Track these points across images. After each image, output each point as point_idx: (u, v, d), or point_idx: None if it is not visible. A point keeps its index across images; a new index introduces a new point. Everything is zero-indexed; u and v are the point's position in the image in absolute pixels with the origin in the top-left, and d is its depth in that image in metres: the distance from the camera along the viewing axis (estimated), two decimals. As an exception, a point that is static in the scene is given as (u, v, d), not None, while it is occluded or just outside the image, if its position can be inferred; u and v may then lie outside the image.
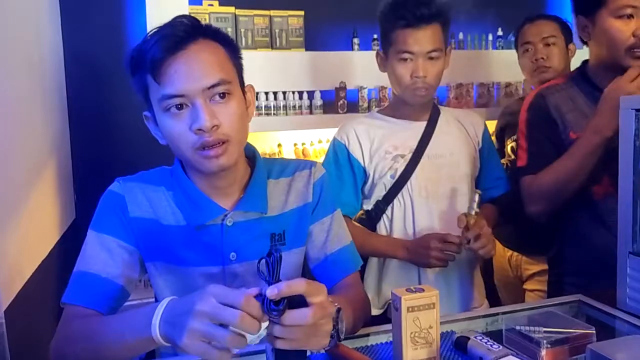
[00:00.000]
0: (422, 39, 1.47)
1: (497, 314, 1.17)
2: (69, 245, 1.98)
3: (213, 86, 0.96)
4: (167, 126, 0.98)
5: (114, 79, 2.48)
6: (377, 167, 1.56)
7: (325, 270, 1.17)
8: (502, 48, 2.99)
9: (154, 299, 1.14)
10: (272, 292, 0.72)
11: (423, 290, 0.97)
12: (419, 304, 0.95)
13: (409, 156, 1.54)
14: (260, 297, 0.74)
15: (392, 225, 1.56)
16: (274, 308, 0.72)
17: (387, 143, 1.56)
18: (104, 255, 1.03)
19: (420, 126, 1.59)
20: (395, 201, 1.55)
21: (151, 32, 0.98)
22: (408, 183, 1.54)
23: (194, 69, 0.95)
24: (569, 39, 2.03)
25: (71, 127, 2.43)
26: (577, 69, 1.57)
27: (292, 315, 0.74)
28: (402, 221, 1.55)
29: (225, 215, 1.06)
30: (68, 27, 2.40)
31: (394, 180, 1.54)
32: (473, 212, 1.37)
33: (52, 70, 2.19)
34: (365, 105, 2.70)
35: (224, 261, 1.07)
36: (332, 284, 1.15)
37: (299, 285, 0.74)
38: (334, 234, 1.17)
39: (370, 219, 1.59)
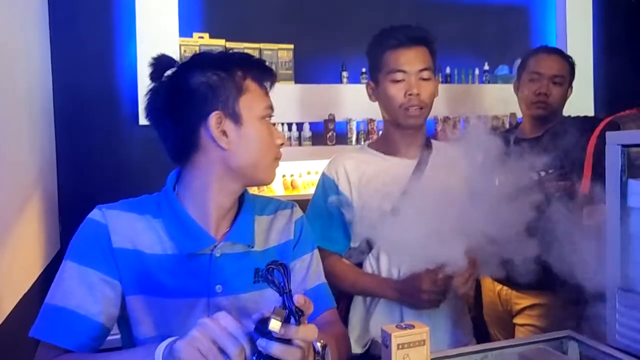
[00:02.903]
0: (413, 58, 1.48)
1: (487, 350, 1.16)
2: (53, 277, 1.94)
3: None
4: (263, 133, 1.07)
5: (103, 110, 2.48)
6: (366, 204, 1.51)
7: None
8: (489, 82, 3.05)
9: (119, 336, 1.10)
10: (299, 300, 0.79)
11: (413, 326, 0.96)
12: (409, 340, 0.95)
13: (398, 194, 1.48)
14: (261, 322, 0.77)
15: (379, 265, 1.51)
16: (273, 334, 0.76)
17: (377, 181, 1.52)
18: (83, 290, 0.98)
19: (412, 163, 1.55)
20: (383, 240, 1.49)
21: (238, 50, 1.15)
22: (397, 221, 1.44)
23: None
24: (572, 81, 2.02)
25: (58, 157, 2.41)
26: None
27: (305, 328, 0.79)
28: (388, 262, 1.50)
29: (215, 246, 1.05)
30: (57, 57, 2.41)
31: (382, 219, 1.45)
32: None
33: (41, 101, 2.19)
34: (354, 137, 2.72)
35: (209, 293, 1.05)
36: (311, 319, 1.14)
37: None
38: (313, 270, 1.18)
39: (356, 257, 1.54)
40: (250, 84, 1.05)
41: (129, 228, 1.03)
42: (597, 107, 3.05)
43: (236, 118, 1.03)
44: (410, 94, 1.47)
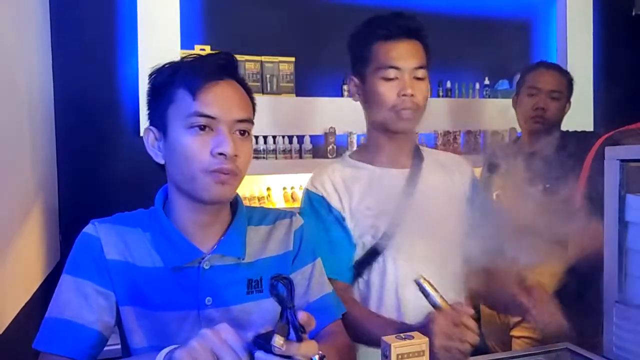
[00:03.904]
0: (406, 53, 1.30)
1: (486, 363, 1.16)
2: (53, 287, 1.94)
3: (241, 121, 1.00)
4: (186, 143, 0.98)
5: (104, 121, 2.50)
6: (357, 225, 1.34)
7: None
8: (489, 97, 3.06)
9: (119, 346, 1.11)
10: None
11: (413, 337, 0.96)
12: (409, 351, 0.94)
13: (392, 212, 1.33)
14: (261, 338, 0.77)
15: (370, 292, 1.34)
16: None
17: (369, 198, 1.35)
18: (79, 301, 1.00)
19: (403, 174, 1.38)
20: (375, 264, 1.33)
21: (189, 56, 1.04)
22: (390, 243, 1.32)
23: (232, 99, 1.01)
24: (570, 96, 2.04)
25: (59, 168, 2.42)
26: None
27: (306, 345, 0.78)
28: (381, 288, 1.33)
29: (203, 258, 1.05)
30: (60, 68, 2.43)
31: (375, 241, 1.32)
32: (440, 301, 1.06)
33: (42, 112, 2.20)
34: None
35: (199, 305, 1.05)
36: (315, 332, 1.14)
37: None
38: (315, 282, 1.16)
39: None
40: (178, 92, 1.00)
41: (121, 241, 1.05)
42: (597, 123, 3.07)
43: (164, 130, 1.02)
44: (404, 95, 1.29)
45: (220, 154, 0.97)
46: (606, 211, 1.18)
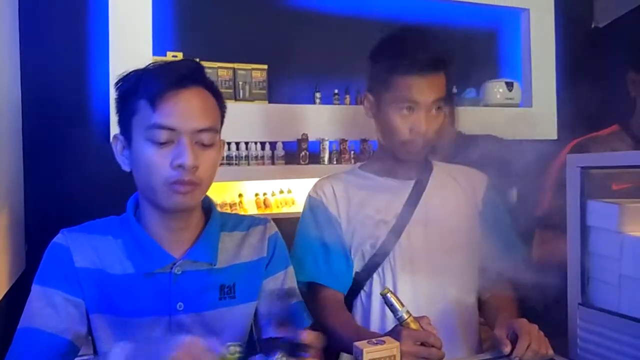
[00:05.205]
0: (426, 89, 1.25)
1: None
2: (18, 298, 1.90)
3: (203, 130, 1.00)
4: (146, 155, 0.98)
5: (73, 126, 2.45)
6: (356, 233, 1.32)
7: None
8: (457, 105, 3.12)
9: (92, 354, 1.10)
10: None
11: (384, 342, 0.98)
12: (380, 356, 0.97)
13: (392, 222, 1.32)
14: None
15: (371, 305, 1.32)
16: None
17: (369, 206, 1.33)
18: (48, 310, 1.00)
19: (408, 185, 1.36)
20: (375, 276, 1.31)
21: (154, 63, 1.03)
22: (391, 254, 1.30)
23: (193, 108, 0.99)
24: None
25: (26, 175, 2.37)
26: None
27: None
28: (382, 300, 1.22)
29: (174, 264, 1.06)
30: (28, 75, 2.38)
31: (374, 251, 1.31)
32: (406, 316, 1.07)
33: (9, 118, 2.16)
34: (326, 156, 2.76)
35: (171, 311, 1.05)
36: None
37: None
38: (287, 289, 1.18)
39: (347, 294, 1.35)
40: (140, 103, 1.00)
41: (91, 248, 1.05)
42: (560, 131, 3.16)
43: (129, 140, 1.03)
44: (417, 131, 1.27)
45: (179, 166, 0.97)
46: (569, 216, 1.22)
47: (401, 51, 1.27)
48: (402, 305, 1.08)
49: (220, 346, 0.80)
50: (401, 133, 1.28)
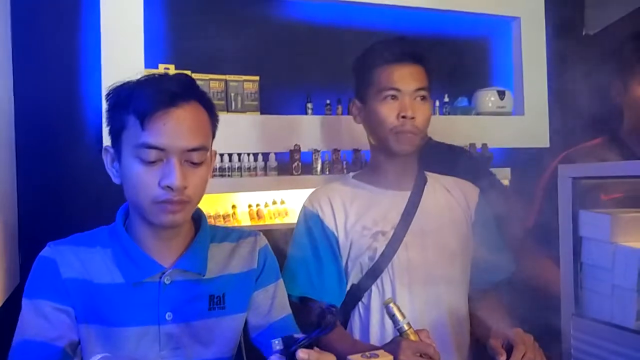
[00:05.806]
0: (407, 76, 1.31)
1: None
2: (12, 312, 1.88)
3: (193, 150, 0.99)
4: (135, 173, 0.98)
5: (66, 138, 2.45)
6: (354, 245, 1.32)
7: (270, 338, 1.16)
8: (449, 114, 3.13)
9: None
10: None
11: (378, 355, 0.98)
12: (374, 369, 0.96)
13: (390, 233, 1.32)
14: None
15: (370, 316, 1.32)
16: None
17: (366, 217, 1.34)
18: (39, 321, 1.00)
19: (404, 196, 1.37)
20: (374, 287, 1.32)
21: (145, 77, 1.02)
22: (389, 266, 1.31)
23: (182, 128, 0.98)
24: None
25: (19, 187, 2.36)
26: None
27: None
28: (380, 312, 1.30)
29: (163, 273, 1.06)
30: (20, 87, 2.37)
31: (373, 263, 1.31)
32: (406, 328, 1.08)
33: (1, 130, 2.15)
34: (319, 167, 2.76)
35: (160, 320, 1.05)
36: (271, 353, 1.15)
37: None
38: (278, 302, 1.19)
39: (344, 307, 1.34)
40: (129, 119, 0.99)
41: (77, 260, 1.06)
42: (553, 140, 3.17)
43: (118, 152, 1.03)
44: (403, 116, 1.30)
45: (168, 186, 0.97)
46: (561, 227, 1.22)
47: (380, 47, 1.34)
48: (404, 316, 1.09)
49: None
50: (388, 119, 1.31)
